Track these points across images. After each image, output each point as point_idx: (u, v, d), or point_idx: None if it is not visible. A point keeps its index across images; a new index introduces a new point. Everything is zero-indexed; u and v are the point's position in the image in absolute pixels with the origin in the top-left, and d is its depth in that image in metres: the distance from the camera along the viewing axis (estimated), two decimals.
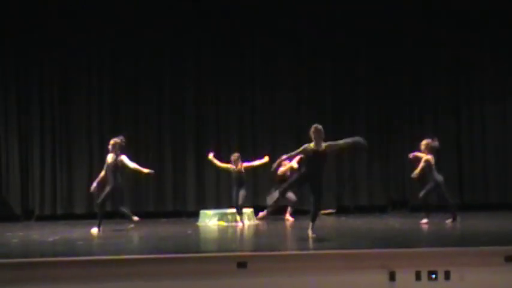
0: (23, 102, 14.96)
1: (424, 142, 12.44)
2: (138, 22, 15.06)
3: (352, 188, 15.64)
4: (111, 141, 11.79)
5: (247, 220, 13.33)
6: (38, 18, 14.85)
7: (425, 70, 15.65)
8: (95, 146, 14.97)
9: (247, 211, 13.52)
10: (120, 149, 11.76)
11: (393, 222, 12.81)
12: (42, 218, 14.65)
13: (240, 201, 12.96)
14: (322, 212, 15.08)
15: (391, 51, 15.58)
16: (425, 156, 12.26)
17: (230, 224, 13.11)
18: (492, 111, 15.74)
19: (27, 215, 14.79)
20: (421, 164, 12.21)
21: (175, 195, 15.25)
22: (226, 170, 13.36)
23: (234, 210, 13.12)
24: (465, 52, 15.61)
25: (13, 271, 8.06)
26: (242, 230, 12.38)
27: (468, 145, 15.74)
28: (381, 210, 15.37)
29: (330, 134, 15.21)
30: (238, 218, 13.01)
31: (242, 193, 13.00)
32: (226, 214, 13.34)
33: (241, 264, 8.10)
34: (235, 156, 13.21)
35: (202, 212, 13.69)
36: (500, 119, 15.72)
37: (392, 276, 8.12)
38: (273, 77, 15.51)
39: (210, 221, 13.33)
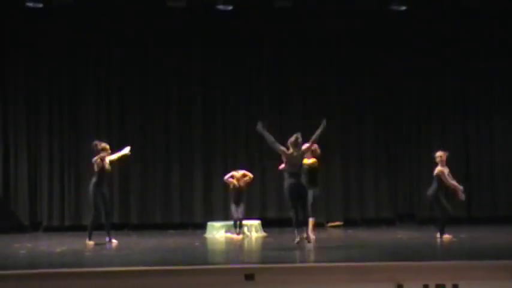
0: (32, 113, 15.01)
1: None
2: (146, 40, 15.19)
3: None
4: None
5: (255, 232, 13.33)
6: (47, 28, 14.91)
7: (433, 84, 15.68)
8: None
9: (255, 223, 13.52)
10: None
11: (401, 235, 12.77)
12: (50, 229, 14.67)
13: (241, 216, 13.08)
14: (330, 224, 15.13)
15: (397, 68, 15.63)
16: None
17: (229, 235, 13.15)
18: (500, 124, 15.74)
19: (35, 226, 14.81)
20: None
21: (182, 207, 15.25)
22: None
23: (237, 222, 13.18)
24: (473, 68, 15.65)
25: (21, 282, 8.07)
26: (242, 242, 12.42)
27: (476, 158, 15.71)
28: (389, 223, 15.33)
29: (338, 148, 15.49)
30: (237, 230, 13.05)
31: (241, 208, 13.11)
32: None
33: (249, 276, 8.09)
34: (240, 174, 13.31)
35: (210, 224, 13.69)
36: (508, 132, 15.71)
37: None
38: (280, 92, 15.55)
39: (218, 233, 13.34)
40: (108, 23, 15.01)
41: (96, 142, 11.90)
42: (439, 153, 12.13)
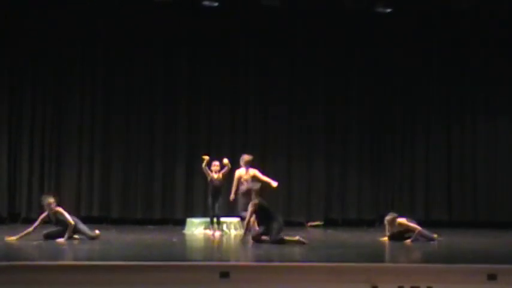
0: (14, 104, 14.87)
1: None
2: (131, 36, 15.04)
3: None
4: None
5: (234, 230, 13.30)
6: (34, 22, 14.77)
7: (417, 88, 15.69)
8: (84, 150, 14.94)
9: (234, 221, 13.49)
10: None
11: (380, 236, 12.79)
12: (29, 221, 14.48)
13: (218, 212, 12.92)
14: (309, 224, 15.17)
15: (382, 70, 15.62)
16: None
17: (207, 232, 13.09)
18: (483, 129, 15.79)
19: (14, 218, 14.69)
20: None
21: (163, 202, 15.20)
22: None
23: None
24: (456, 70, 15.70)
25: None
26: (220, 239, 12.40)
27: (458, 163, 15.75)
28: (369, 224, 15.35)
29: (322, 152, 15.51)
30: (216, 227, 12.94)
31: (219, 204, 12.92)
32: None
33: (224, 274, 8.09)
34: (217, 165, 13.13)
35: (189, 220, 13.67)
36: (491, 137, 15.76)
37: None
38: (266, 92, 15.49)
39: (196, 229, 13.32)
40: (93, 20, 14.90)
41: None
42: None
